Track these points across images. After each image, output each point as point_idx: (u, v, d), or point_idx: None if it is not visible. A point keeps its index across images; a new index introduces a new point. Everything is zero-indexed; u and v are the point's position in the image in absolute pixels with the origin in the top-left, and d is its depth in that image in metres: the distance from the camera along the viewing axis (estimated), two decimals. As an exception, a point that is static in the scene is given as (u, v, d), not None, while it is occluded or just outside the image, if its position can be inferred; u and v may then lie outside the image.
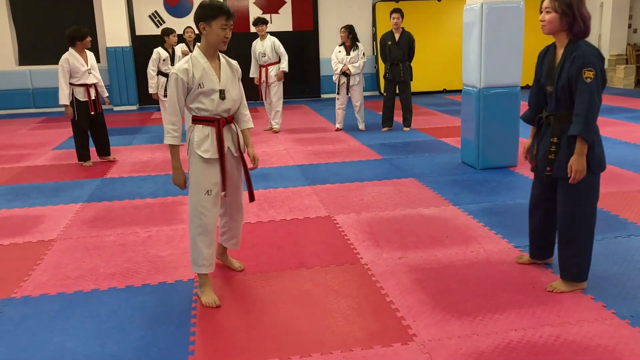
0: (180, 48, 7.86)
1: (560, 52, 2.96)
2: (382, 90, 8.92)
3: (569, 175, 2.88)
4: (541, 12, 2.96)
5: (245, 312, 3.02)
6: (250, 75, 8.46)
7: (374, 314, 2.93)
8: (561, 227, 3.06)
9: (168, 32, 7.37)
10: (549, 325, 2.74)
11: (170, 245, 4.02)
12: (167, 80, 7.17)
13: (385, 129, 8.37)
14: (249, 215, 4.62)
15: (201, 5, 2.93)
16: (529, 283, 3.21)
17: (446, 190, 5.14)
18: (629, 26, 13.41)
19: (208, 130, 3.02)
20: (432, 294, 3.12)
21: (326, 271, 3.48)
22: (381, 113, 8.52)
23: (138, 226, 4.46)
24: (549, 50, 3.06)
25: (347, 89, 8.27)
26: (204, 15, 2.90)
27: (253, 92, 8.35)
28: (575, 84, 2.82)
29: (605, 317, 2.80)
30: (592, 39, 13.33)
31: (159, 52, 7.25)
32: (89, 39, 6.35)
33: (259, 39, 8.39)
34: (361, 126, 8.46)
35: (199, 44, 3.06)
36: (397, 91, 8.25)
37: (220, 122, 3.04)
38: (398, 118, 8.53)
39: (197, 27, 2.98)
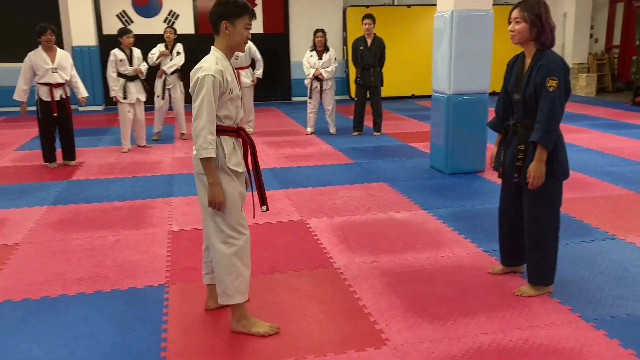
0: (159, 48, 7.80)
1: (528, 61, 3.04)
2: (353, 95, 8.97)
3: (527, 181, 2.96)
4: (510, 22, 3.02)
5: (217, 317, 3.00)
6: None
7: (347, 318, 2.95)
8: (528, 233, 3.13)
9: (123, 32, 7.13)
10: (518, 329, 2.81)
11: (139, 249, 3.96)
12: (126, 82, 7.11)
13: (356, 133, 8.42)
14: (220, 219, 4.59)
15: (223, 2, 2.64)
16: (498, 287, 3.28)
17: (416, 194, 5.20)
18: (591, 36, 13.84)
19: (233, 142, 2.72)
20: (404, 298, 3.15)
21: (299, 276, 3.48)
22: (352, 117, 8.58)
23: (106, 230, 4.38)
24: (518, 59, 3.14)
25: (320, 94, 8.29)
26: (229, 13, 2.62)
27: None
28: (539, 91, 2.90)
29: (571, 321, 2.88)
30: (556, 48, 13.67)
31: (116, 53, 7.05)
32: (47, 36, 6.15)
33: None
34: (332, 130, 8.49)
35: (213, 47, 2.72)
36: (368, 96, 8.32)
37: (242, 132, 2.78)
38: (368, 122, 8.60)
39: (215, 26, 2.66)
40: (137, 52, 7.24)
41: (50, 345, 2.74)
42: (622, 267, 3.52)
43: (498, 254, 3.53)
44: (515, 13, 2.98)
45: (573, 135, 8.01)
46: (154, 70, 7.91)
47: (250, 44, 8.22)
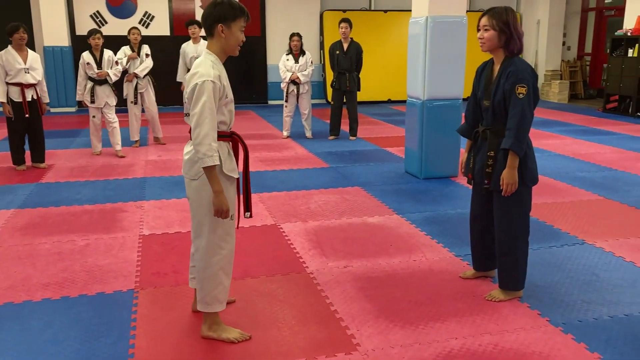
0: (124, 51, 7.53)
1: (497, 68, 3.06)
2: (330, 99, 8.99)
3: (500, 188, 2.99)
4: (479, 29, 3.05)
5: (187, 323, 2.95)
6: (178, 80, 8.11)
7: (318, 323, 2.93)
8: (498, 239, 3.15)
9: (90, 33, 6.90)
10: (488, 334, 2.82)
11: (109, 254, 3.89)
12: (94, 85, 6.85)
13: (332, 137, 8.43)
14: (192, 223, 4.54)
15: (219, 4, 2.56)
16: (469, 292, 3.30)
17: (390, 199, 5.22)
18: (563, 43, 14.10)
19: (227, 147, 2.68)
20: (376, 303, 3.15)
21: (272, 281, 3.46)
22: (328, 121, 8.58)
23: (75, 234, 4.29)
24: (487, 65, 3.16)
25: (297, 97, 8.28)
26: (225, 16, 2.54)
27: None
28: (508, 99, 2.93)
29: (540, 325, 2.91)
30: (529, 55, 13.95)
31: (83, 56, 6.88)
32: (20, 34, 6.01)
33: (190, 42, 8.04)
34: (308, 134, 8.48)
35: (206, 50, 2.64)
36: (345, 100, 8.33)
37: (236, 136, 2.73)
38: (345, 127, 8.62)
39: (210, 28, 2.58)
40: (107, 55, 7.00)
41: (14, 352, 2.66)
42: (591, 272, 3.57)
43: (470, 258, 3.55)
44: (484, 21, 3.01)
45: (545, 141, 8.14)
46: (122, 74, 7.65)
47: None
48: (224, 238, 2.70)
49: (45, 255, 3.86)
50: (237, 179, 2.77)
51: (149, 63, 7.67)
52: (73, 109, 11.71)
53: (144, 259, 3.79)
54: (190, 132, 2.65)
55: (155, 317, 3.01)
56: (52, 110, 11.52)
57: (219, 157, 2.57)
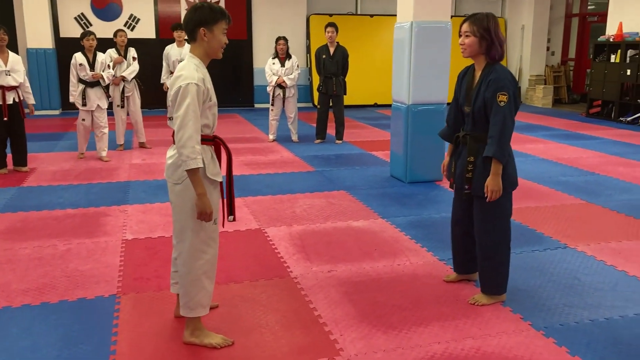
0: (110, 53, 7.43)
1: (478, 74, 3.07)
2: (316, 103, 8.99)
3: (485, 195, 2.99)
4: (460, 35, 3.06)
5: (169, 329, 2.93)
6: (162, 81, 8.10)
7: (302, 328, 2.92)
8: (480, 244, 3.17)
9: (83, 35, 6.84)
10: (470, 338, 2.83)
11: (91, 258, 3.85)
12: (86, 88, 6.79)
13: (318, 140, 8.43)
14: (176, 227, 4.51)
15: (199, 8, 2.57)
16: (452, 296, 3.31)
17: (375, 203, 5.23)
18: (548, 49, 14.26)
19: (210, 151, 2.67)
20: (360, 308, 3.15)
21: (255, 285, 3.44)
22: (315, 125, 8.58)
23: (57, 238, 4.24)
24: (468, 71, 3.18)
25: (283, 101, 8.27)
26: (205, 19, 2.55)
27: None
28: (490, 106, 2.94)
29: (522, 329, 2.92)
30: (514, 59, 14.09)
31: (76, 57, 6.78)
32: (0, 35, 5.96)
33: (174, 45, 8.04)
34: (294, 137, 8.48)
35: (189, 54, 2.64)
36: (331, 104, 8.34)
37: (219, 140, 2.72)
38: (331, 130, 8.62)
39: (192, 33, 2.59)
40: (100, 57, 6.93)
41: (-9, 360, 2.62)
42: (573, 276, 3.60)
43: (449, 260, 3.57)
44: (465, 27, 3.02)
45: (529, 145, 8.21)
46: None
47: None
48: (207, 242, 2.69)
49: (26, 260, 3.81)
50: (221, 182, 2.76)
51: (135, 66, 7.61)
52: (57, 112, 11.60)
53: (126, 264, 3.76)
54: (173, 135, 2.64)
55: (137, 322, 2.98)
56: (35, 112, 11.38)
57: (202, 160, 2.56)
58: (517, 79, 13.98)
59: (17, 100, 6.16)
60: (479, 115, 3.02)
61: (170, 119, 2.62)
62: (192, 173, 2.50)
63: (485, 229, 3.11)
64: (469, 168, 3.07)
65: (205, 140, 2.64)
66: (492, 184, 2.96)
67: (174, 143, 2.65)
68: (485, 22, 2.96)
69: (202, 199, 2.54)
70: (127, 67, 7.55)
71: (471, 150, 3.07)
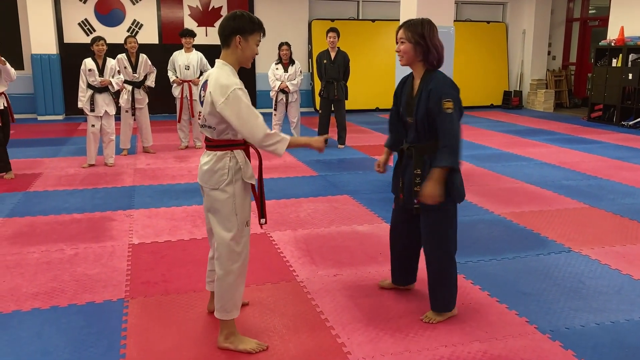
0: (123, 58, 7.46)
1: (417, 82, 2.96)
2: (318, 108, 9.03)
3: (420, 201, 2.85)
4: (397, 42, 2.96)
5: (178, 332, 2.95)
6: (172, 80, 8.11)
7: (309, 332, 2.94)
8: (429, 260, 3.05)
9: (93, 40, 6.85)
10: (477, 341, 2.85)
11: (99, 263, 3.88)
12: (94, 93, 6.77)
13: (320, 145, 8.45)
14: (182, 231, 4.54)
15: (238, 17, 2.64)
16: (458, 300, 3.31)
17: (379, 207, 5.25)
18: (549, 53, 14.30)
19: (243, 154, 2.73)
20: (366, 312, 3.17)
21: (262, 289, 3.46)
22: (317, 129, 8.62)
23: (64, 243, 4.27)
24: (407, 80, 3.06)
25: (285, 106, 8.31)
26: (243, 28, 2.62)
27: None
28: (437, 116, 2.82)
29: (528, 332, 2.94)
30: (515, 64, 14.13)
31: (85, 62, 6.80)
32: None
33: (182, 51, 8.06)
34: (297, 142, 8.49)
35: (220, 60, 2.68)
36: (332, 109, 8.38)
37: (248, 145, 2.77)
38: (333, 135, 8.66)
39: (227, 39, 2.64)
40: (110, 63, 6.90)
41: (2, 363, 2.65)
42: (577, 280, 3.62)
43: (459, 266, 3.55)
44: (400, 33, 2.93)
45: (531, 149, 8.24)
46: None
47: (200, 54, 8.06)
48: (242, 244, 2.73)
49: (34, 264, 3.84)
50: (253, 185, 2.81)
51: (154, 73, 7.80)
52: (60, 117, 11.64)
53: (133, 268, 3.79)
54: (206, 140, 2.74)
55: (146, 326, 3.01)
56: (40, 118, 11.46)
57: (238, 164, 2.68)
58: (518, 83, 14.07)
59: (5, 105, 6.12)
60: (422, 126, 2.91)
61: (207, 127, 2.68)
62: (291, 145, 2.64)
63: (433, 243, 3.00)
64: (416, 181, 2.95)
65: (238, 145, 2.71)
66: (433, 190, 2.80)
67: (207, 149, 2.73)
68: (420, 28, 2.88)
69: (311, 141, 2.75)
70: (137, 72, 7.58)
71: (417, 162, 2.95)
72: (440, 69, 2.96)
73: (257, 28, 2.67)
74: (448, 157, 2.80)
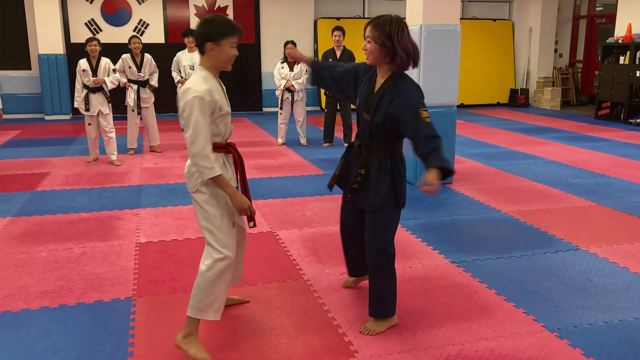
0: (127, 58, 7.51)
1: (380, 81, 2.80)
2: (324, 106, 9.03)
3: (423, 186, 2.62)
4: (364, 39, 2.77)
5: (185, 331, 2.96)
6: (177, 80, 8.24)
7: (316, 330, 2.95)
8: (371, 263, 2.92)
9: (87, 41, 6.86)
10: (484, 340, 2.85)
11: (106, 261, 3.89)
12: (88, 93, 6.80)
13: (326, 144, 8.47)
14: (189, 230, 4.55)
15: (208, 22, 2.61)
16: (465, 298, 3.32)
17: (386, 206, 5.24)
18: (555, 51, 14.24)
19: (222, 158, 2.72)
20: (373, 310, 3.17)
21: (268, 288, 3.47)
22: (323, 128, 8.62)
23: (72, 242, 4.29)
24: (373, 73, 2.87)
25: (291, 105, 8.32)
26: (213, 34, 2.57)
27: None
28: (414, 125, 2.65)
29: (535, 331, 2.94)
30: (522, 62, 14.07)
31: (80, 63, 6.85)
32: None
33: (185, 51, 8.15)
34: (303, 141, 8.52)
35: (199, 66, 2.67)
36: (338, 107, 8.38)
37: (231, 147, 2.77)
38: (339, 134, 8.66)
39: (200, 47, 2.62)
40: (103, 62, 6.93)
41: (12, 361, 2.66)
42: (585, 278, 3.61)
43: (466, 264, 3.59)
44: (367, 31, 2.73)
45: (538, 147, 8.21)
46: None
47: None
48: (226, 245, 2.71)
49: (42, 263, 3.86)
50: (236, 187, 2.80)
51: (156, 72, 7.82)
52: (68, 116, 11.70)
53: (141, 267, 3.80)
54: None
55: (154, 324, 3.02)
56: (47, 117, 11.52)
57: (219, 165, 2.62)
58: (525, 81, 14.02)
59: None
60: (376, 129, 2.78)
61: (183, 130, 2.67)
62: (215, 180, 2.59)
63: (375, 245, 2.87)
64: (357, 179, 2.85)
65: (217, 147, 2.69)
66: (434, 179, 2.58)
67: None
68: (387, 28, 2.66)
69: (233, 198, 2.65)
70: (143, 71, 7.61)
71: (364, 161, 2.83)
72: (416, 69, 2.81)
73: (228, 32, 2.60)
74: (443, 159, 2.64)
